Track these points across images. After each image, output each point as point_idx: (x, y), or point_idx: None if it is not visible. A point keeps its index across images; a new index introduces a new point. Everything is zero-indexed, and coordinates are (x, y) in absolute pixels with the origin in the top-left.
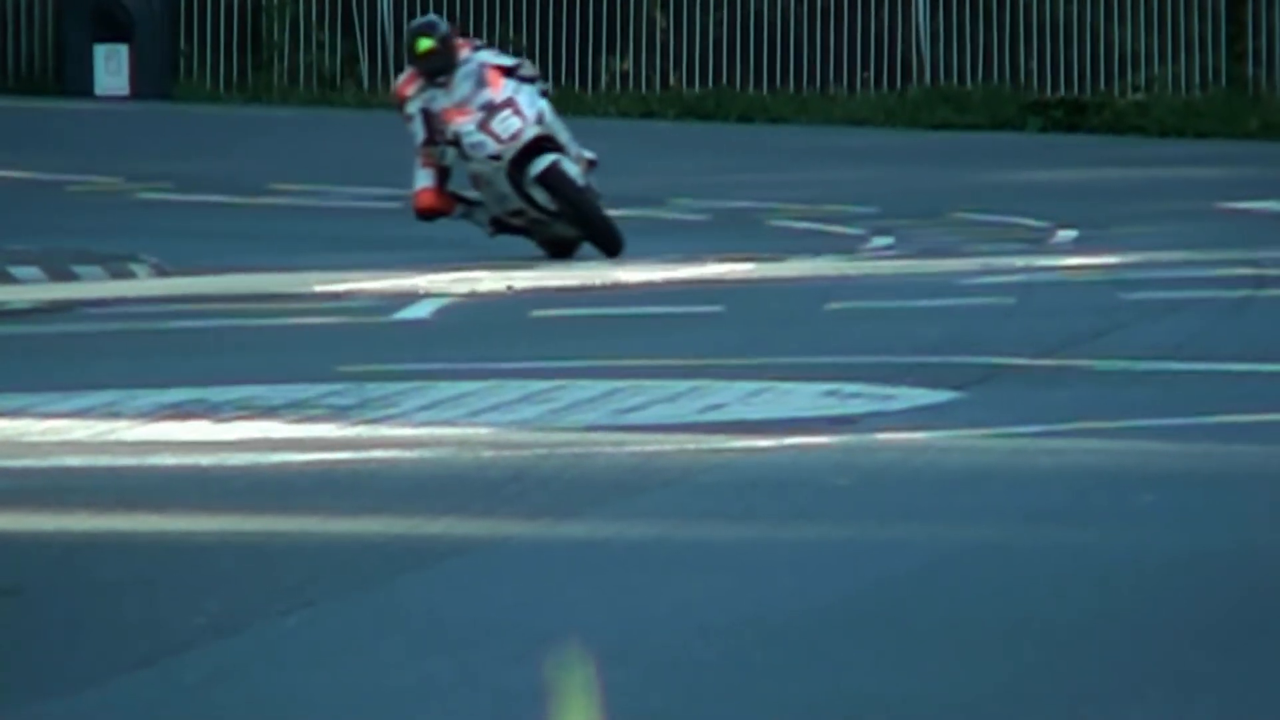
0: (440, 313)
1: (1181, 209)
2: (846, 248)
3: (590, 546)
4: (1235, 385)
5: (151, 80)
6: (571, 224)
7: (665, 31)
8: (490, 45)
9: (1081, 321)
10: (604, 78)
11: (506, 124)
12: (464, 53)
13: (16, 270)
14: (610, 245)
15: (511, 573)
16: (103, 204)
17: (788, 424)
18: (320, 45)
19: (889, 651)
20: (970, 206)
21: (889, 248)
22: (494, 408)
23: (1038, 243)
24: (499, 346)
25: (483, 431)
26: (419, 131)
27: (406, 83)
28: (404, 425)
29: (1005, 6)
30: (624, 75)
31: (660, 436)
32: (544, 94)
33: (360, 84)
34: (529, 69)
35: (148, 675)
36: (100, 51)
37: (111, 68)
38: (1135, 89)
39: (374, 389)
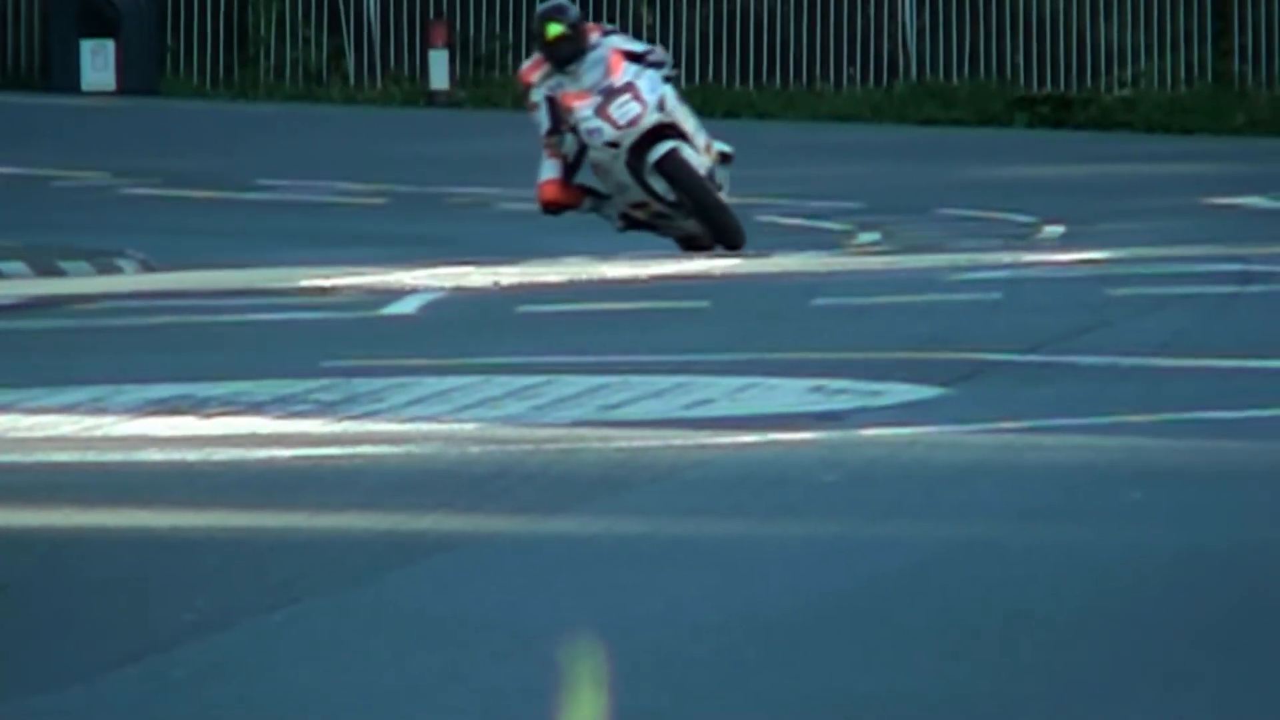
0: (427, 308)
1: (1168, 205)
2: (833, 243)
3: (577, 542)
4: (1223, 381)
5: (138, 76)
6: (692, 215)
7: (652, 28)
8: (621, 30)
9: (1068, 317)
10: None
11: (625, 109)
12: (593, 37)
13: (2, 265)
14: (729, 238)
15: (498, 569)
16: (89, 200)
17: (774, 420)
18: (306, 41)
19: (879, 648)
20: (957, 202)
21: (875, 243)
22: (480, 403)
23: (1024, 238)
24: (485, 342)
25: (469, 427)
26: (544, 120)
27: (532, 68)
28: (390, 421)
29: (992, 2)
30: None
31: (647, 432)
32: (669, 79)
33: (346, 79)
34: (659, 54)
35: (135, 672)
36: (87, 47)
37: (98, 63)
38: (1122, 85)
39: (360, 384)
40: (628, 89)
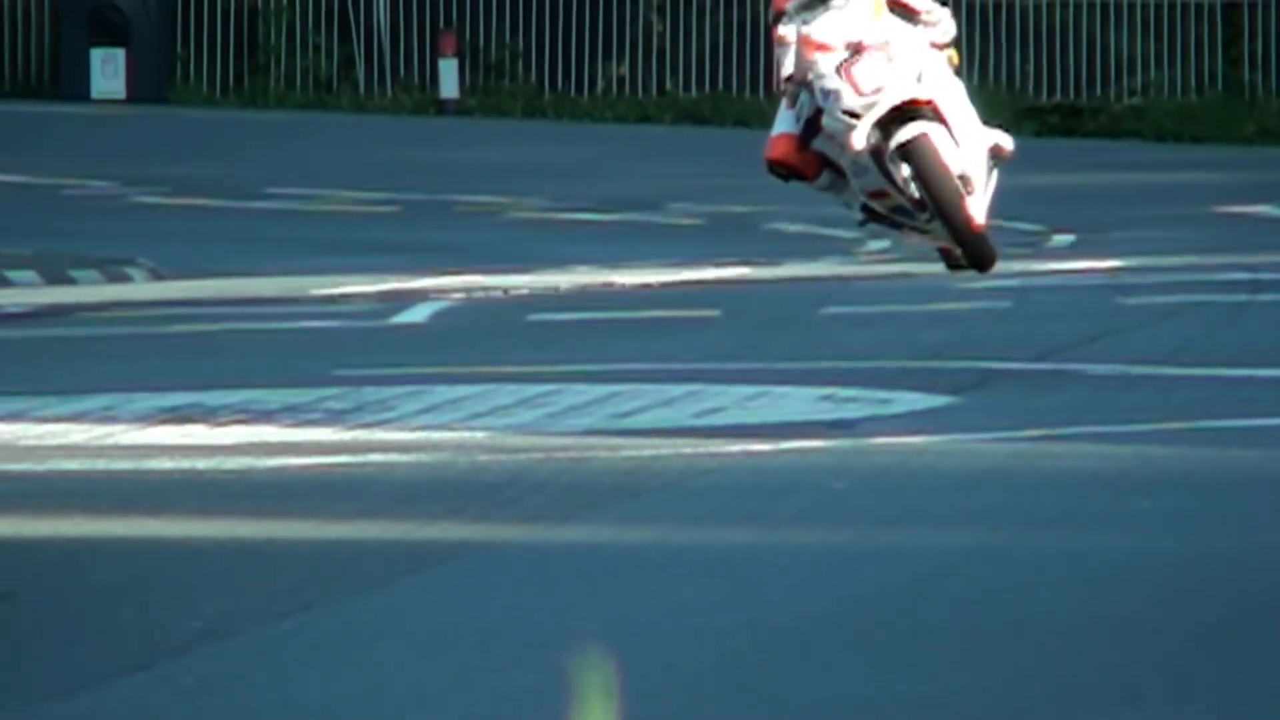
0: (437, 316)
1: (1178, 213)
2: (843, 251)
3: (586, 550)
4: (1232, 390)
5: (148, 84)
6: (936, 219)
7: (662, 37)
8: None
9: (1078, 326)
10: (601, 82)
11: (871, 73)
12: None
13: (13, 274)
14: (976, 254)
15: (507, 577)
16: (99, 208)
17: (784, 428)
18: (316, 49)
19: (886, 655)
20: None
21: (885, 251)
22: (490, 411)
23: (1034, 247)
24: (495, 350)
25: (479, 435)
26: (787, 62)
27: None
28: (400, 429)
29: (1001, 11)
30: (621, 80)
31: (657, 440)
32: (942, 47)
33: (356, 88)
34: (939, 13)
35: (145, 678)
36: (97, 55)
37: (108, 71)
38: (1131, 93)
39: (370, 393)
40: (882, 48)
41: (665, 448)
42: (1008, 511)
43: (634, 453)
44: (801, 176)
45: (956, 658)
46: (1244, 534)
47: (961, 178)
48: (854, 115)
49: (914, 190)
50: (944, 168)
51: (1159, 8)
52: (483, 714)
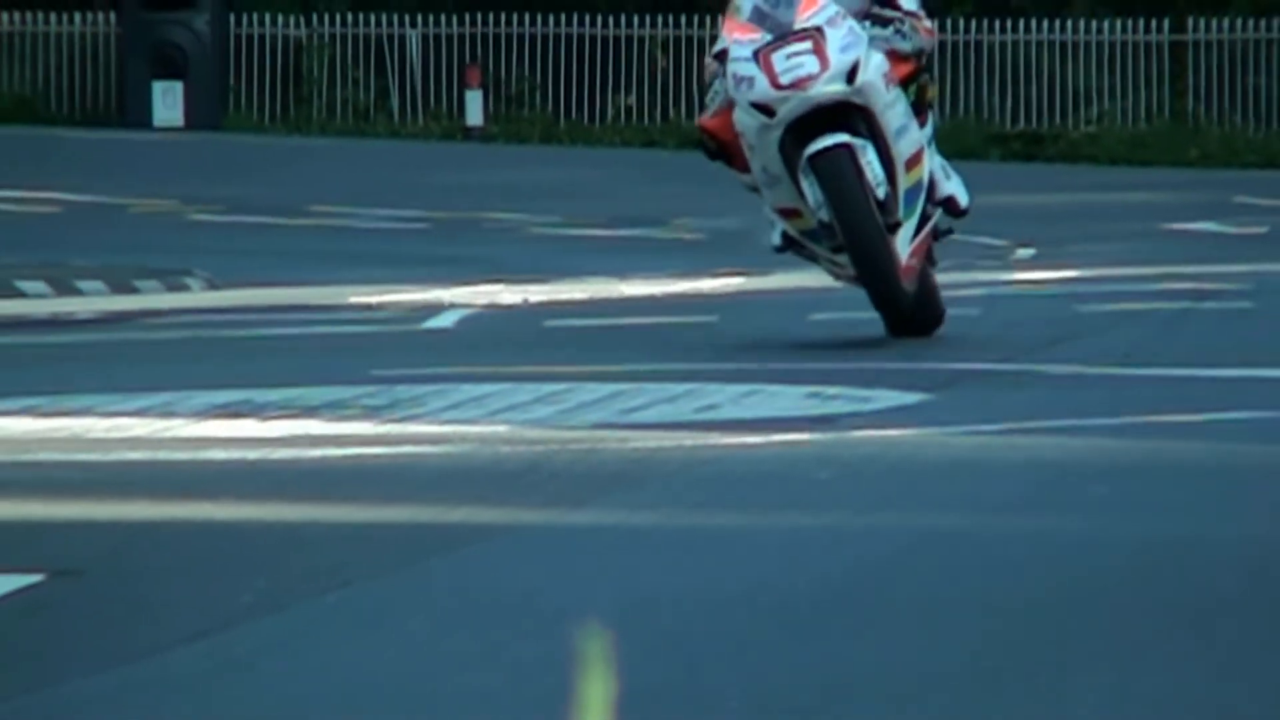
0: (463, 323)
1: (1128, 230)
2: None
3: (598, 532)
4: (1177, 388)
5: (204, 113)
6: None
7: (665, 71)
8: None
9: (1039, 330)
10: (610, 111)
11: (794, 63)
12: None
13: (82, 284)
14: (885, 307)
15: (527, 556)
16: (160, 224)
17: (775, 423)
18: (355, 82)
19: (866, 627)
20: None
21: None
22: (511, 408)
23: (999, 260)
24: (515, 353)
25: (501, 429)
26: (723, 38)
27: None
28: (430, 423)
29: (970, 49)
30: (628, 109)
31: (660, 433)
32: (904, 59)
33: (391, 117)
34: (909, 25)
35: (200, 647)
36: (158, 88)
37: (168, 102)
38: (1087, 122)
39: (403, 390)
40: (809, 37)
41: (668, 440)
42: (976, 498)
43: (640, 444)
44: (730, 162)
45: (930, 628)
46: (1188, 519)
47: (883, 206)
48: (766, 110)
49: (826, 215)
50: (861, 190)
51: (1112, 46)
52: (503, 679)
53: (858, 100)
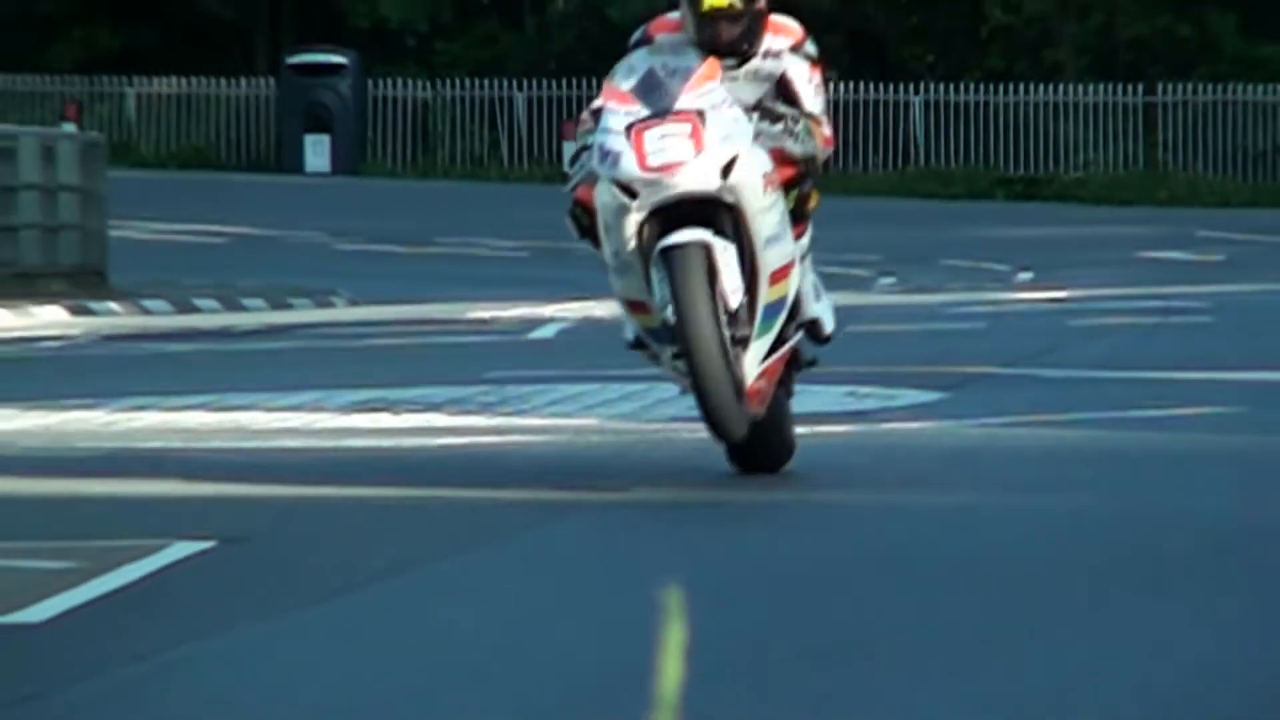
0: (562, 334)
1: (1109, 257)
2: (861, 285)
3: (673, 507)
4: (1150, 388)
5: (346, 161)
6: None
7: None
8: (817, 62)
9: (1036, 341)
10: None
11: (666, 145)
12: (777, 40)
13: (246, 301)
14: (720, 432)
15: (612, 527)
16: (310, 253)
17: (816, 416)
18: (472, 135)
19: (894, 583)
20: (953, 255)
21: (892, 285)
22: (601, 404)
23: (1003, 282)
24: (606, 358)
25: (592, 422)
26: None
27: (666, 25)
28: (534, 417)
29: (979, 109)
30: None
31: None
32: (793, 163)
33: (501, 164)
34: (802, 126)
35: (341, 602)
36: (309, 140)
37: (317, 152)
38: (1076, 169)
39: (511, 390)
40: (688, 119)
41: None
42: (983, 479)
43: (706, 435)
44: (599, 242)
45: (943, 585)
46: (1160, 496)
47: (734, 317)
48: (629, 191)
49: (669, 313)
50: (711, 295)
51: (1096, 106)
52: (592, 630)
53: (729, 197)
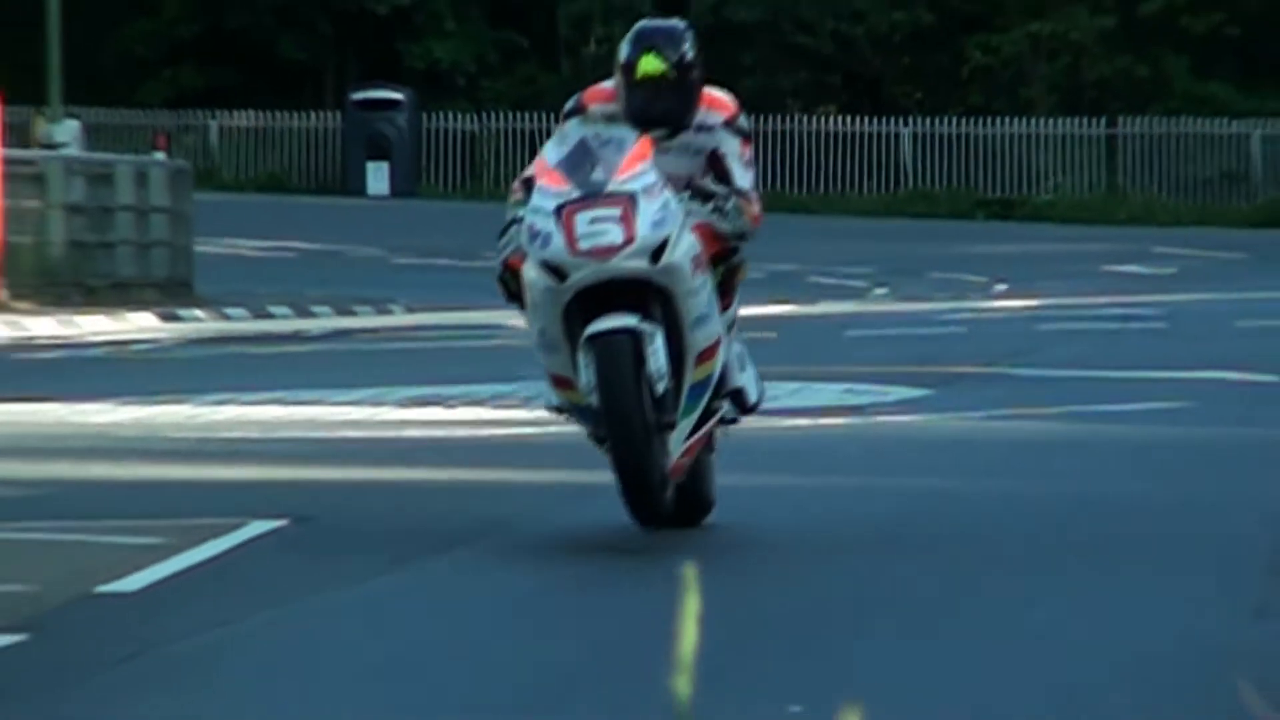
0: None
1: (1076, 270)
2: (857, 295)
3: None
4: (1111, 386)
5: (403, 185)
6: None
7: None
8: (748, 138)
9: (1011, 344)
10: None
11: (597, 229)
12: (710, 115)
13: (315, 308)
14: (643, 520)
15: None
16: (371, 266)
17: (819, 410)
18: (514, 162)
19: (882, 557)
20: (938, 268)
21: (885, 295)
22: None
23: (982, 291)
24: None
25: None
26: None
27: (599, 95)
28: None
29: (961, 139)
30: None
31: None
32: (723, 239)
33: None
34: (735, 194)
35: (400, 574)
36: (370, 166)
37: (377, 177)
38: (1046, 193)
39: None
40: (620, 202)
41: (745, 423)
42: (964, 465)
43: (722, 426)
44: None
45: (927, 556)
46: (1120, 481)
47: (660, 403)
48: (558, 273)
49: (595, 399)
50: (636, 385)
51: (1063, 138)
52: (620, 594)
53: (659, 281)
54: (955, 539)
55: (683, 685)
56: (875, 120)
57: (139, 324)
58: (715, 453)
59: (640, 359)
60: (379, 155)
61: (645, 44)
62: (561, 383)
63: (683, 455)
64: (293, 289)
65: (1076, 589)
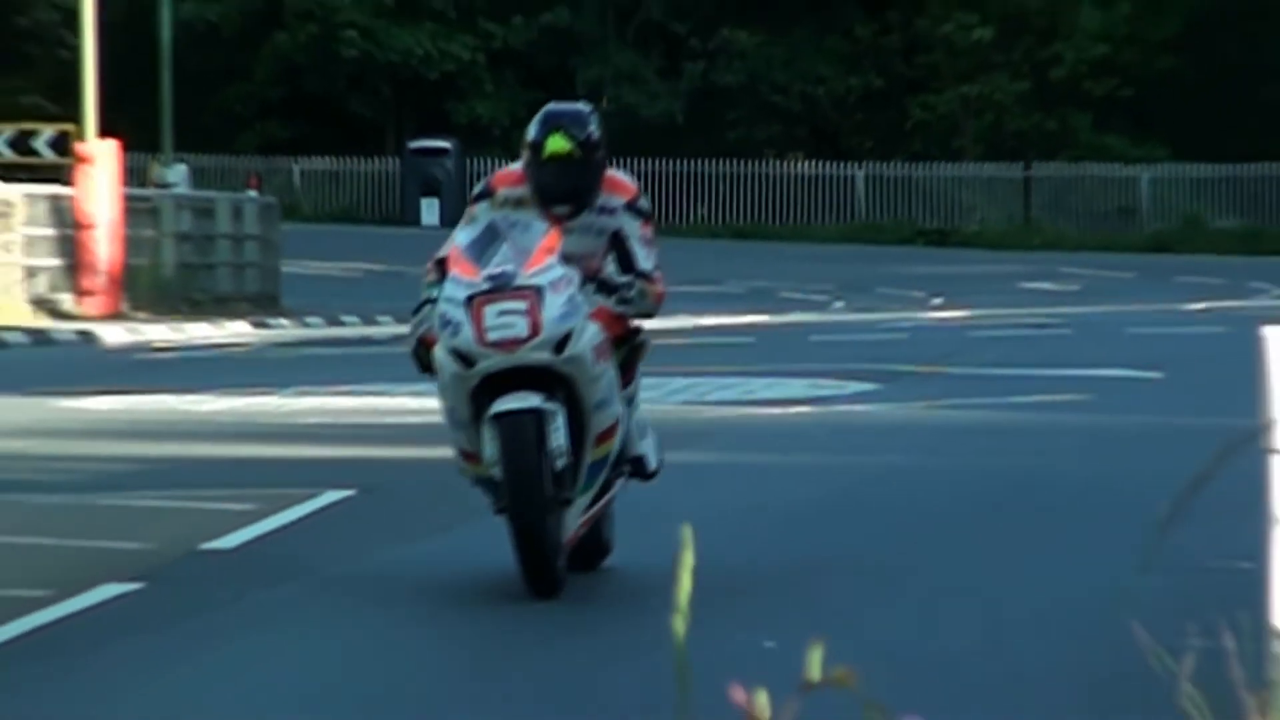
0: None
1: (998, 287)
2: (820, 307)
3: (685, 468)
4: (1026, 382)
5: (451, 218)
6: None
7: (725, 196)
8: (648, 218)
9: (945, 348)
10: (688, 220)
11: (504, 322)
12: (611, 198)
13: (379, 318)
14: (537, 596)
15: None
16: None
17: (788, 400)
18: None
19: (841, 526)
20: (886, 285)
21: (842, 307)
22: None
23: (921, 304)
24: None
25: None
26: (455, 241)
27: (509, 178)
28: None
29: (904, 180)
30: (701, 218)
31: (721, 408)
32: (624, 322)
33: None
34: (640, 286)
35: (441, 539)
36: (424, 202)
37: (430, 211)
38: (974, 224)
39: None
40: (526, 296)
41: (726, 412)
42: (908, 446)
43: (709, 415)
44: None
45: (878, 524)
46: (1036, 459)
47: (559, 479)
48: (466, 360)
49: (497, 472)
50: (537, 462)
51: (988, 179)
52: (627, 558)
53: (562, 369)
54: (903, 507)
55: (679, 625)
56: (834, 164)
57: (235, 330)
58: (612, 501)
59: (542, 437)
60: (431, 193)
61: (553, 124)
62: (469, 457)
63: (581, 527)
64: (361, 302)
65: (1004, 547)
